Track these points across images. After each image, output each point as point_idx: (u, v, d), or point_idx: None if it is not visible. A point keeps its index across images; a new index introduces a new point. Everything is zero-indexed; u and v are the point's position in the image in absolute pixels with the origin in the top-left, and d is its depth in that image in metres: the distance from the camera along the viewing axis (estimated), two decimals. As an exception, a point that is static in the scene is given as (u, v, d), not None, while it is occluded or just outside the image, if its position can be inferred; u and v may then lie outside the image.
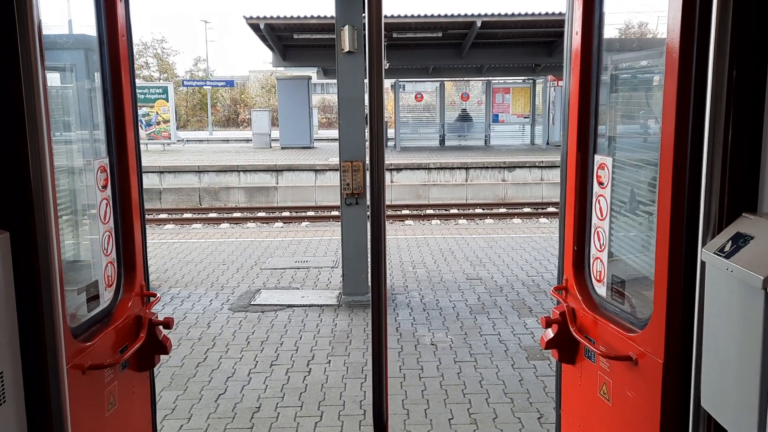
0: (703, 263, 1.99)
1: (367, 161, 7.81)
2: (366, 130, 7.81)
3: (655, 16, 2.74)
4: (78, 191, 2.84)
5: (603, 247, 2.90)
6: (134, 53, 3.08)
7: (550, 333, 3.11)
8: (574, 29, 2.92)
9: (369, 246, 2.49)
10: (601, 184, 2.88)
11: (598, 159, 2.91)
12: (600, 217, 2.90)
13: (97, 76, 2.89)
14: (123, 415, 2.86)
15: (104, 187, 2.85)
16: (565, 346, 3.07)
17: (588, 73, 2.90)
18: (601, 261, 2.92)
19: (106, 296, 2.86)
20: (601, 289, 2.93)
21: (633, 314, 2.73)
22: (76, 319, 2.61)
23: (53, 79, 2.81)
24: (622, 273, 2.85)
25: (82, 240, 2.91)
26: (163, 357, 3.33)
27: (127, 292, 2.97)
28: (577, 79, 2.92)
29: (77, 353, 2.44)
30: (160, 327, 3.08)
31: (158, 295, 3.20)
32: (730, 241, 1.85)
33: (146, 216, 3.39)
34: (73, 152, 2.87)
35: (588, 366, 2.94)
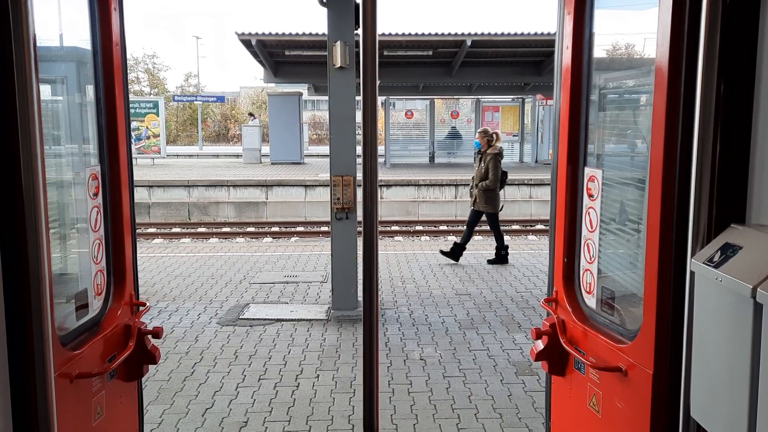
0: (692, 273, 2.01)
1: (359, 176, 7.87)
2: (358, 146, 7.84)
3: (643, 33, 2.79)
4: (71, 197, 2.83)
5: (593, 259, 2.92)
6: (127, 63, 3.08)
7: (540, 344, 3.11)
8: (565, 44, 2.97)
9: (360, 261, 2.50)
10: (591, 196, 2.90)
11: (588, 171, 2.94)
12: (590, 229, 2.92)
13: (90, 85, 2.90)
14: (109, 425, 2.82)
15: (95, 195, 2.84)
16: (555, 357, 3.07)
17: (578, 87, 2.94)
18: (590, 273, 2.94)
19: (95, 305, 2.84)
20: (591, 301, 2.94)
21: (623, 325, 2.74)
22: (65, 327, 2.59)
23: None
24: (612, 285, 2.87)
25: (71, 249, 2.89)
26: (150, 370, 3.29)
27: (116, 300, 2.94)
28: (568, 92, 2.96)
29: (65, 361, 2.42)
30: (149, 336, 3.05)
31: (147, 304, 3.18)
32: (719, 251, 1.88)
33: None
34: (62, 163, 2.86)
35: (578, 378, 2.94)
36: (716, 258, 1.87)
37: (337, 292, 7.35)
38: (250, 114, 34.55)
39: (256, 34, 17.64)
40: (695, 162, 2.03)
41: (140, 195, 17.75)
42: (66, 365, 2.42)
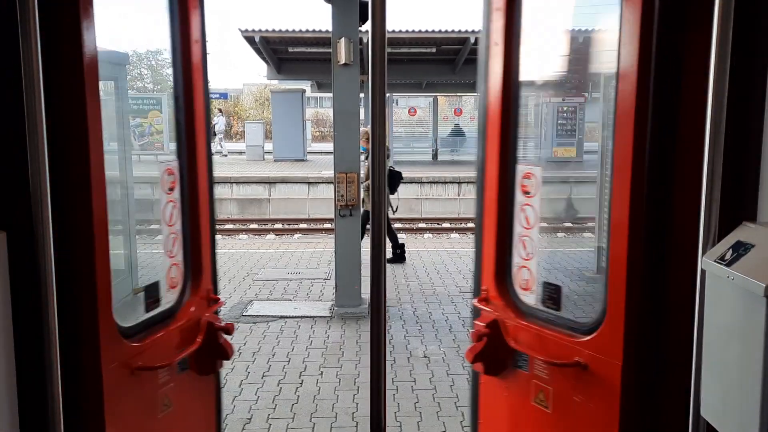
0: (703, 272, 1.99)
1: (362, 173, 7.72)
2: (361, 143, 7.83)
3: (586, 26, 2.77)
4: (140, 192, 2.87)
5: (530, 255, 2.88)
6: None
7: (478, 346, 2.98)
8: (493, 40, 2.88)
9: (363, 257, 2.50)
10: (527, 193, 2.86)
11: (522, 169, 2.89)
12: (526, 225, 2.88)
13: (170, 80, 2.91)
14: (179, 417, 2.81)
15: (171, 189, 2.83)
16: (493, 357, 2.96)
17: (509, 83, 2.86)
18: (528, 269, 2.90)
19: (169, 297, 2.83)
20: (529, 297, 2.91)
21: (574, 319, 2.74)
22: (130, 319, 2.59)
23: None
24: (561, 279, 2.87)
25: (139, 243, 2.91)
26: None
27: (191, 294, 2.93)
28: (499, 89, 2.87)
29: (126, 353, 2.44)
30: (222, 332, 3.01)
31: (221, 299, 3.14)
32: (731, 250, 1.86)
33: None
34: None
35: (519, 375, 2.88)
36: (728, 256, 1.85)
37: (340, 289, 7.34)
38: (219, 110, 34.71)
39: (260, 30, 17.61)
40: (706, 159, 2.01)
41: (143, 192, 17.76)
42: (126, 356, 2.44)
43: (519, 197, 2.90)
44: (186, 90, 2.89)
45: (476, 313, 3.06)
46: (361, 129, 8.25)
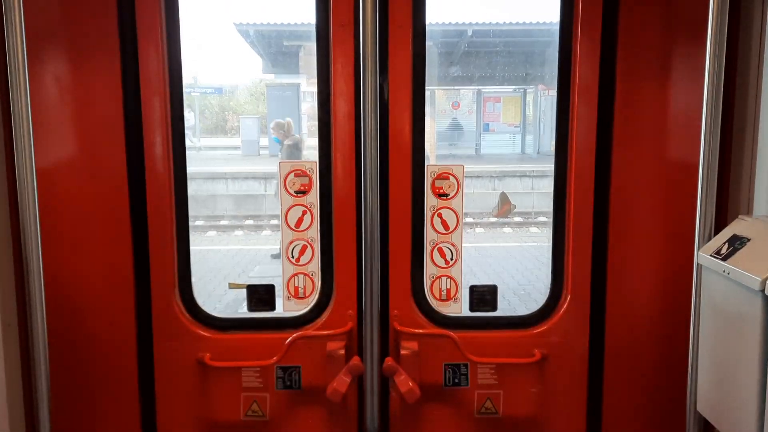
0: (699, 266, 1.96)
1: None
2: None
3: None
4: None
5: (452, 261, 2.71)
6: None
7: (408, 382, 2.66)
8: (397, 23, 2.64)
9: (363, 254, 2.46)
10: (443, 195, 2.68)
11: (435, 169, 2.69)
12: (443, 231, 2.70)
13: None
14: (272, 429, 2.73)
15: (299, 192, 2.69)
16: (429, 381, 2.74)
17: (413, 79, 2.67)
18: (449, 278, 2.72)
19: (285, 305, 2.78)
20: (454, 306, 2.77)
21: (519, 314, 2.72)
22: (220, 313, 2.70)
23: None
24: (495, 278, 2.84)
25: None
26: None
27: (322, 310, 2.74)
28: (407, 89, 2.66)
29: (203, 344, 2.66)
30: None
31: (352, 326, 2.74)
32: (727, 243, 1.82)
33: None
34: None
35: (457, 392, 2.72)
36: (724, 250, 1.81)
37: (336, 285, 7.30)
38: (188, 106, 34.83)
39: (255, 24, 17.55)
40: (702, 155, 1.98)
41: (139, 188, 17.72)
42: (199, 344, 2.64)
43: (432, 201, 2.68)
44: (322, 82, 2.70)
45: (399, 336, 2.72)
46: (273, 121, 8.16)
